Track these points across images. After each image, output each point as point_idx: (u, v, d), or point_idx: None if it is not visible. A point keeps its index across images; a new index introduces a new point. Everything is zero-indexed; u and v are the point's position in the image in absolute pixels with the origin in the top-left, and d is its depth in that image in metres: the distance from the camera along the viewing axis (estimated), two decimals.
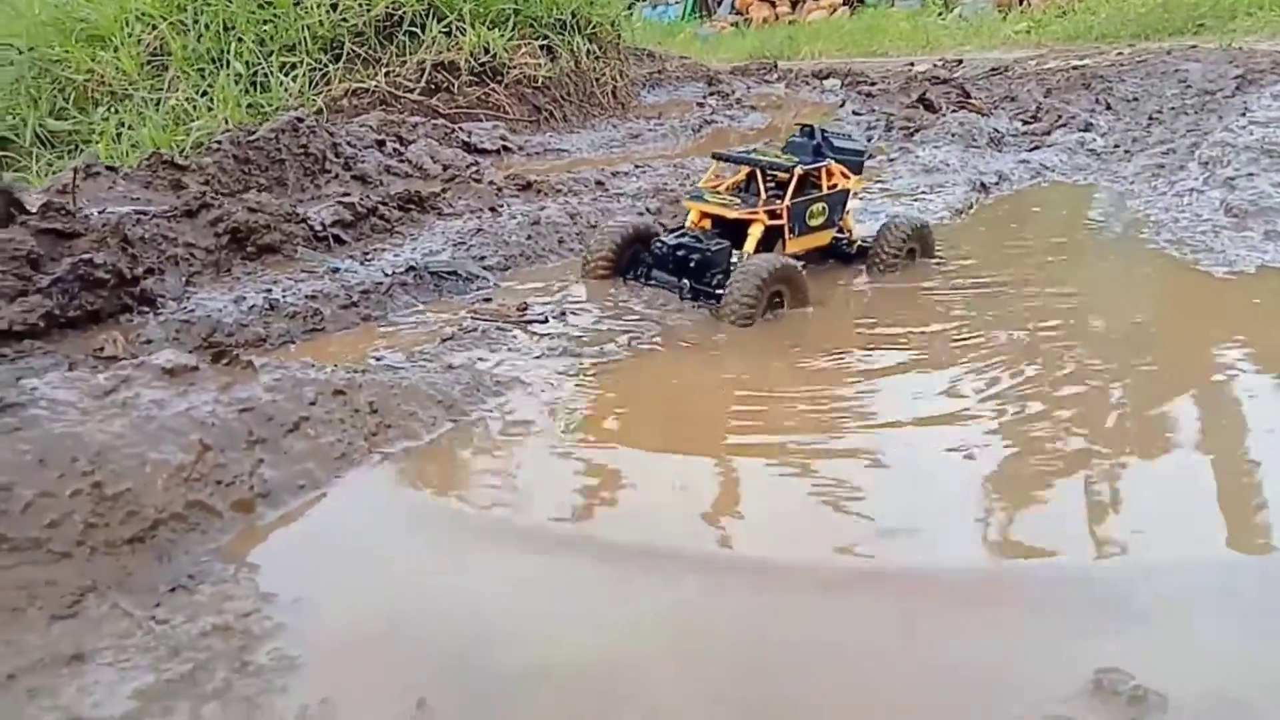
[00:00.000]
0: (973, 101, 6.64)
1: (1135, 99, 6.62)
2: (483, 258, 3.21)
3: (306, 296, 2.75)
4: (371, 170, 4.89)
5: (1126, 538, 1.69)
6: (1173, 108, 6.13)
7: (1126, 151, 5.18)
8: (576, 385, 2.33)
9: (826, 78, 9.48)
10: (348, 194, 4.28)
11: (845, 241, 3.31)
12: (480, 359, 2.41)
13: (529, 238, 3.39)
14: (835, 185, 3.14)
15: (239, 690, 1.27)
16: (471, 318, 2.74)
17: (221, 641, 1.37)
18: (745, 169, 3.15)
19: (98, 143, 5.92)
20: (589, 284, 3.05)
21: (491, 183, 4.24)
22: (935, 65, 9.64)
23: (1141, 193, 4.22)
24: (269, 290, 2.80)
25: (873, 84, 8.47)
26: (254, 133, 4.60)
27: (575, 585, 1.59)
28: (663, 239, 2.96)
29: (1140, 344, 2.58)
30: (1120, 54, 9.21)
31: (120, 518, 1.60)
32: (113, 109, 6.28)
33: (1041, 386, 2.29)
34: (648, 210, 3.90)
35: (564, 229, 3.51)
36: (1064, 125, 5.90)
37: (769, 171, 3.04)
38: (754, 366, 2.47)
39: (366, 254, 3.24)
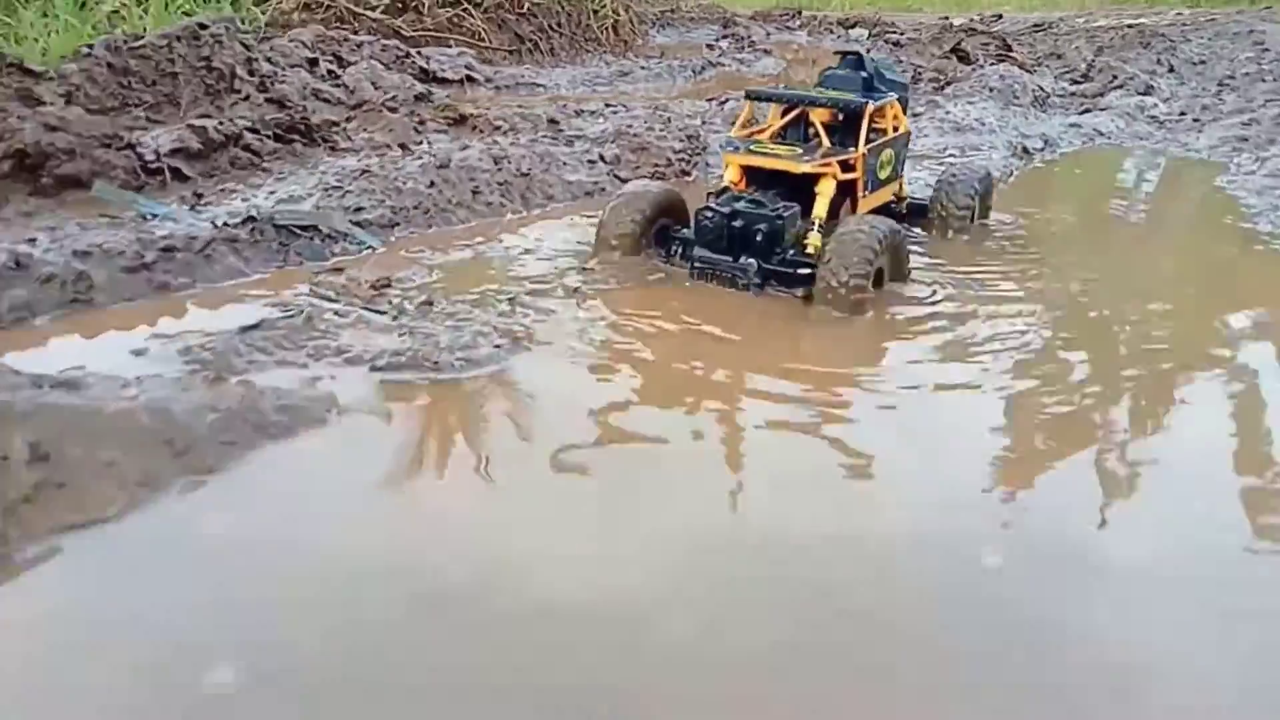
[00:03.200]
0: (1014, 54, 5.74)
1: (1202, 61, 5.73)
2: (359, 208, 2.41)
3: (77, 253, 1.96)
4: (293, 93, 4.08)
5: None
6: (1247, 73, 5.26)
7: (1196, 120, 4.33)
8: (406, 416, 1.57)
9: (853, 27, 8.65)
10: (248, 118, 3.48)
11: (894, 199, 2.59)
12: (281, 362, 1.64)
13: (431, 185, 2.58)
14: (898, 128, 2.44)
15: None
16: (309, 294, 1.97)
17: None
18: (778, 110, 2.39)
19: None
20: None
21: (414, 113, 3.43)
22: (972, 19, 8.72)
23: (1226, 169, 3.38)
24: (34, 240, 2.02)
25: (901, 33, 7.57)
26: (140, 39, 3.79)
27: None
28: (712, 205, 2.16)
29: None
30: (1180, 14, 8.23)
31: None
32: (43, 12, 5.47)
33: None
34: (601, 158, 3.09)
35: (481, 177, 2.70)
36: (1120, 87, 5.02)
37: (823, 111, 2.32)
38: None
39: (204, 196, 2.44)
